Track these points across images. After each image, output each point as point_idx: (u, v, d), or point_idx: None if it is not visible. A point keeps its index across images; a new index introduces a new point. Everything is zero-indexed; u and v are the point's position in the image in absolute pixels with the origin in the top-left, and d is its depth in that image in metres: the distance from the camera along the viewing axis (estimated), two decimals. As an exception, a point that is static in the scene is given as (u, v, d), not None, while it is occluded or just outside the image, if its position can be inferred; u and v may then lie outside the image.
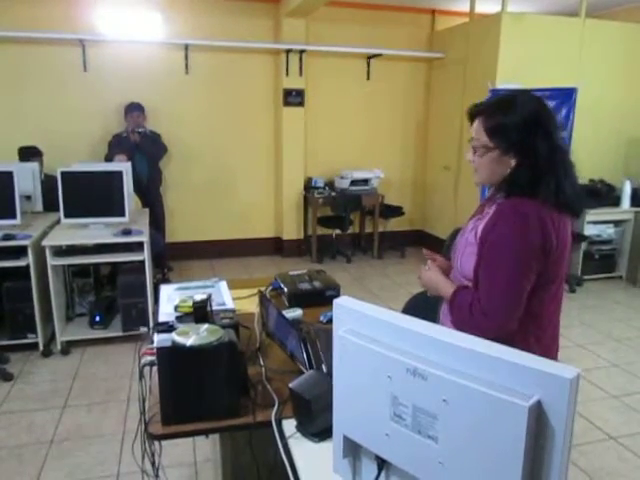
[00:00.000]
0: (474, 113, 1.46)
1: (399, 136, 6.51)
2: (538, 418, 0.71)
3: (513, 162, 1.39)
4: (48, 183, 4.04)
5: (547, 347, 1.47)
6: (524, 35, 5.12)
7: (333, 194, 5.90)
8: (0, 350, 3.45)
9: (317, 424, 1.23)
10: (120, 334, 3.70)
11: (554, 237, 1.35)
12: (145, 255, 3.55)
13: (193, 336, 1.30)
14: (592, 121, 5.42)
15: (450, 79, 5.97)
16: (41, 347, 3.55)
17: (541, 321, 1.45)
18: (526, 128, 1.36)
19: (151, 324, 3.58)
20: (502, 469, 0.74)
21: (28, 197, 3.85)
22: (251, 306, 2.04)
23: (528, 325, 1.41)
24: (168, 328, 1.53)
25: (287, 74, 5.68)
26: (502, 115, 1.38)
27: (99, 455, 2.56)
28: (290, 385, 1.27)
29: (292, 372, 1.50)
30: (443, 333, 0.84)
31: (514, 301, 1.35)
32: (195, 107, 5.67)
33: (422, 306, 1.83)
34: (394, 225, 6.57)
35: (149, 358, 1.40)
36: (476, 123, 1.44)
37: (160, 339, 1.32)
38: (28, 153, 4.40)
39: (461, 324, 1.43)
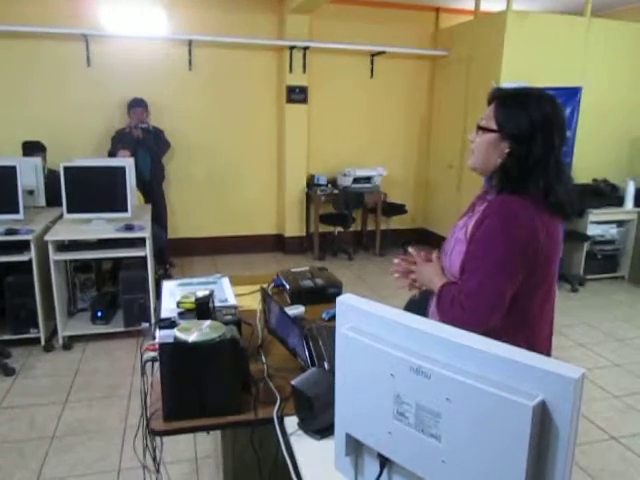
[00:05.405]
0: (494, 96, 1.47)
1: (402, 134, 6.50)
2: (542, 418, 0.71)
3: (507, 150, 1.40)
4: (51, 178, 4.04)
5: (537, 348, 1.46)
6: (529, 34, 5.10)
7: (335, 191, 5.89)
8: (2, 345, 3.46)
9: (319, 421, 1.22)
10: (122, 330, 3.70)
11: (543, 236, 1.35)
12: (147, 251, 3.55)
13: (195, 332, 1.29)
14: (596, 120, 5.41)
15: (454, 77, 5.95)
16: (43, 342, 3.55)
17: (531, 321, 1.43)
18: (530, 126, 1.37)
19: (153, 320, 3.58)
20: (505, 469, 0.73)
21: (31, 192, 3.85)
22: (253, 303, 2.03)
23: (517, 325, 1.40)
24: (170, 324, 1.52)
25: (290, 71, 5.67)
26: (514, 106, 1.40)
27: (100, 450, 2.57)
28: (292, 382, 1.27)
29: (294, 369, 1.49)
30: (447, 331, 0.84)
31: (493, 298, 1.34)
32: (198, 103, 5.66)
33: (424, 304, 1.82)
34: (396, 223, 6.56)
35: (151, 354, 1.39)
36: (492, 105, 1.46)
37: (162, 335, 1.31)
38: (32, 148, 4.39)
39: (443, 316, 1.43)
